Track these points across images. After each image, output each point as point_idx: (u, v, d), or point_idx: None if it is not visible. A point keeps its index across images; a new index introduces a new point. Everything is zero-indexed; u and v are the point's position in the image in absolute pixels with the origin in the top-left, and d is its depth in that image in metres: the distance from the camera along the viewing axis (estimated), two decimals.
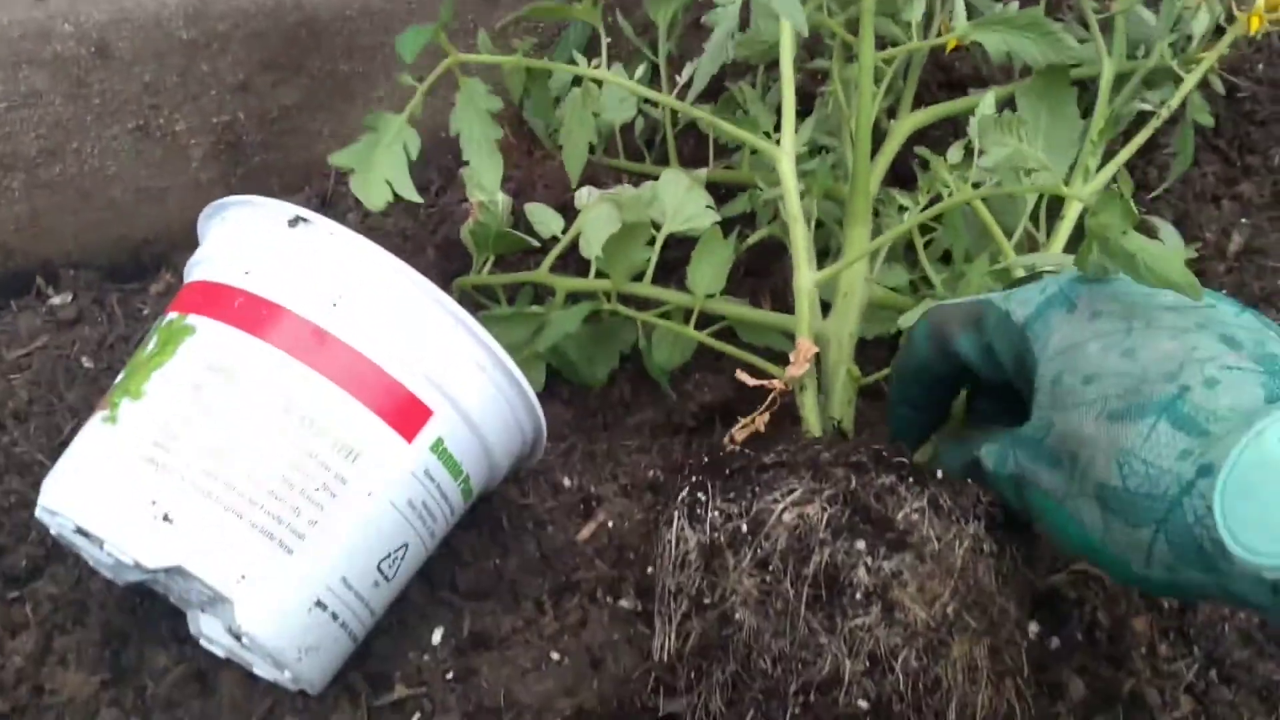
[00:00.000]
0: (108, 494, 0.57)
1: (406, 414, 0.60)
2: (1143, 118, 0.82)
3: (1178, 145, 0.89)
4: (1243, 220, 0.93)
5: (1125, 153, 0.76)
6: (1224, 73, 1.02)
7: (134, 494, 0.56)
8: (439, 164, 0.94)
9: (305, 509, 0.57)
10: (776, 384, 0.68)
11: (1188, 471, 0.50)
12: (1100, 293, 0.59)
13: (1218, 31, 0.81)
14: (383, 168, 0.70)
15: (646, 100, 0.86)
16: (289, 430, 0.58)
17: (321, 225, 0.61)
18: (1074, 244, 0.72)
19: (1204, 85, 0.86)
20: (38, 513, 0.61)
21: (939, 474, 0.61)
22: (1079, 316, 0.58)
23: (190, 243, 0.69)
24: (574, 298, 0.79)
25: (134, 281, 0.90)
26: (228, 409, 0.58)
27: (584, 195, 0.81)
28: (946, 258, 0.79)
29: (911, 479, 0.60)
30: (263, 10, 0.87)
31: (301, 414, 0.58)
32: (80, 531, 0.58)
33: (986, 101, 0.74)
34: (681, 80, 0.84)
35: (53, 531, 0.62)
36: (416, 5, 0.92)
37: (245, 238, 0.63)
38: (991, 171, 0.70)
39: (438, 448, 0.61)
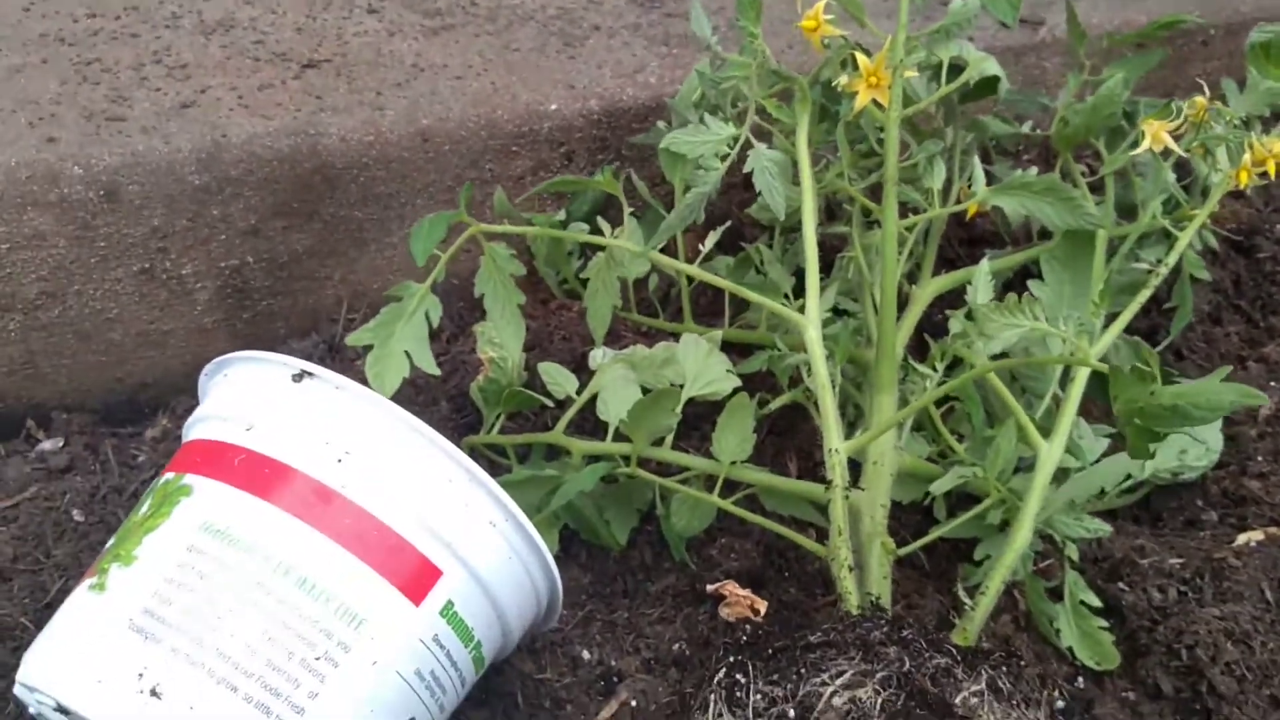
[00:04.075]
0: (92, 667, 0.52)
1: (415, 575, 0.56)
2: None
3: (1176, 299, 0.88)
4: (1271, 384, 0.91)
5: (1127, 313, 0.73)
6: (1243, 233, 1.02)
7: (121, 666, 0.52)
8: (450, 311, 0.91)
9: (305, 680, 0.53)
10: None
11: None
12: None
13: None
14: (403, 341, 0.68)
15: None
16: (289, 595, 0.54)
17: (328, 379, 0.58)
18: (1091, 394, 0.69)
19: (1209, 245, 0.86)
20: (15, 689, 0.56)
21: (994, 655, 0.57)
22: None
23: (189, 386, 0.66)
24: (591, 459, 0.76)
25: (129, 426, 0.86)
26: (224, 574, 0.54)
27: (598, 355, 0.79)
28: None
29: (966, 660, 0.56)
30: (277, 156, 0.86)
31: (302, 577, 0.54)
32: (61, 709, 0.53)
33: (982, 282, 0.72)
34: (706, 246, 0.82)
35: (31, 710, 0.57)
36: (434, 153, 0.91)
37: (247, 394, 0.60)
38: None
39: (448, 611, 0.57)
